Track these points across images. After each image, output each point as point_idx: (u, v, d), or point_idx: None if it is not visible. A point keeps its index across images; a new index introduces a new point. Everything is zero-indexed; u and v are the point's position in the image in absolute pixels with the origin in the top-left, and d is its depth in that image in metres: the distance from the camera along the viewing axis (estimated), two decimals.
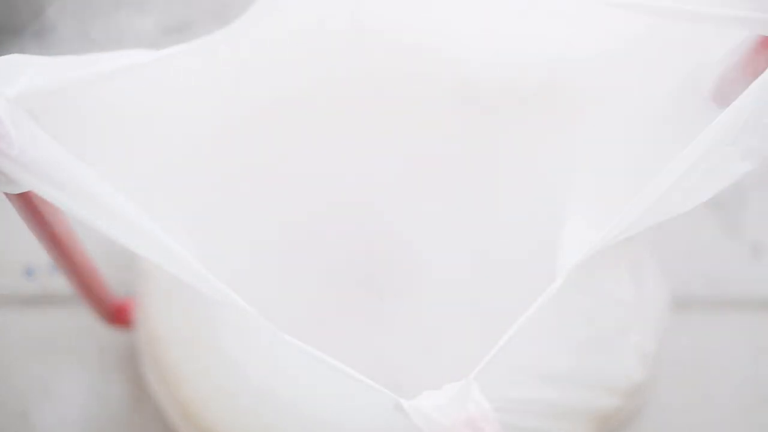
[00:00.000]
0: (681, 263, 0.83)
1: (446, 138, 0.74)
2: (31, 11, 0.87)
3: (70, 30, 0.89)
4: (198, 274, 0.46)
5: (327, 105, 0.70)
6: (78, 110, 0.53)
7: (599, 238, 0.48)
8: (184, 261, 0.45)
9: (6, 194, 0.46)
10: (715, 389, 0.79)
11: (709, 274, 0.83)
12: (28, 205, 0.49)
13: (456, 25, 0.63)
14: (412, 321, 0.75)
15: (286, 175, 0.75)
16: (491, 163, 0.75)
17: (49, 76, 0.44)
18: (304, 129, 0.72)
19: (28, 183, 0.42)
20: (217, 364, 0.68)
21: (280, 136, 0.72)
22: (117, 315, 0.71)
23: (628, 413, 0.73)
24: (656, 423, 0.77)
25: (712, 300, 0.82)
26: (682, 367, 0.79)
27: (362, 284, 0.77)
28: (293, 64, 0.65)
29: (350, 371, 0.47)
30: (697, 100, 0.52)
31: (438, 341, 0.75)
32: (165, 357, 0.69)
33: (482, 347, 0.50)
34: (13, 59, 0.44)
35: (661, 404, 0.77)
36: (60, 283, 0.80)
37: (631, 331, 0.69)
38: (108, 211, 0.43)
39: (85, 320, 0.78)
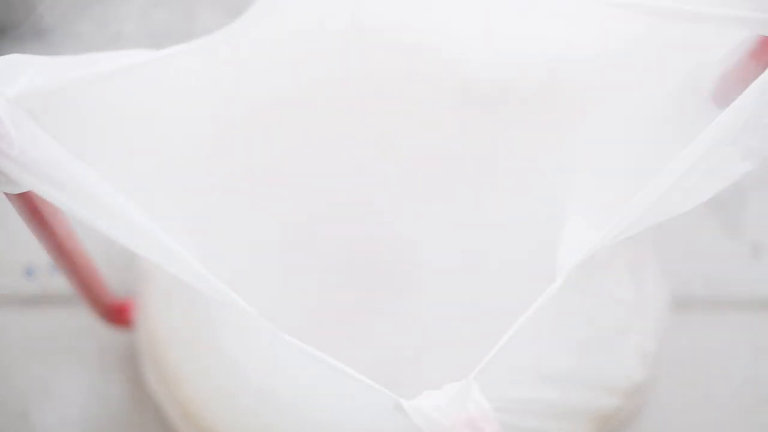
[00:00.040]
0: (681, 263, 0.83)
1: (446, 138, 0.74)
2: (27, 10, 0.87)
3: (70, 30, 0.89)
4: (198, 274, 0.46)
5: (327, 105, 0.70)
6: (78, 110, 0.52)
7: (599, 238, 0.48)
8: (184, 261, 0.45)
9: (6, 194, 0.46)
10: (715, 389, 0.79)
11: (709, 274, 0.83)
12: (28, 205, 0.49)
13: (456, 25, 0.63)
14: (412, 321, 0.75)
15: (286, 175, 0.75)
16: (491, 163, 0.75)
17: (49, 76, 0.44)
18: (304, 129, 0.72)
19: (28, 183, 0.42)
20: (217, 364, 0.68)
21: (280, 136, 0.72)
22: (117, 315, 0.71)
23: (628, 413, 0.73)
24: (656, 423, 0.77)
25: (712, 300, 0.82)
26: (682, 367, 0.79)
27: (362, 284, 0.77)
28: (293, 64, 0.65)
29: (350, 371, 0.47)
30: (697, 100, 0.52)
31: (438, 341, 0.75)
32: (165, 357, 0.69)
33: (482, 347, 0.50)
34: (13, 59, 0.43)
35: (661, 404, 0.77)
36: (60, 283, 0.80)
37: (631, 331, 0.69)
38: (108, 211, 0.43)
39: (85, 320, 0.77)
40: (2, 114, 0.41)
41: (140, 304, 0.71)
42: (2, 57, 0.44)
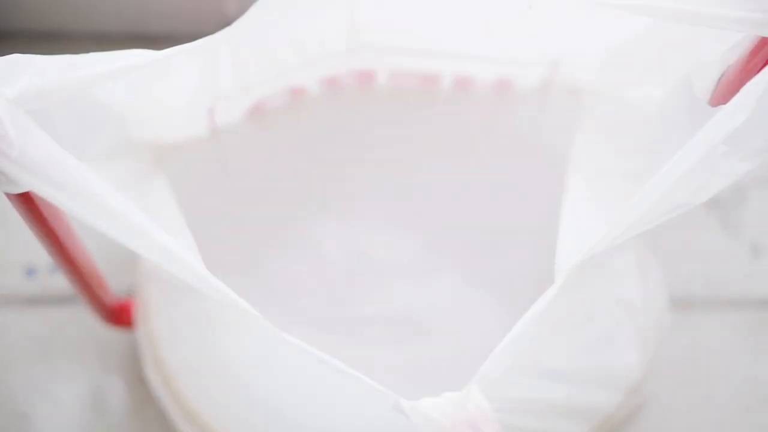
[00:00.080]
0: (681, 263, 0.83)
1: (446, 138, 0.74)
2: (27, 11, 0.87)
3: (69, 30, 0.89)
4: (198, 274, 0.46)
5: (327, 105, 0.70)
6: (78, 110, 0.53)
7: (599, 238, 0.48)
8: (184, 261, 0.45)
9: (6, 194, 0.46)
10: (715, 389, 0.79)
11: (709, 274, 0.83)
12: (28, 205, 0.49)
13: (456, 25, 0.63)
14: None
15: (285, 175, 0.75)
16: (491, 163, 0.75)
17: (49, 76, 0.44)
18: (304, 129, 0.72)
19: (28, 183, 0.42)
20: (217, 364, 0.68)
21: (280, 137, 0.72)
22: (117, 315, 0.71)
23: (628, 413, 0.73)
24: (656, 423, 0.77)
25: (712, 300, 0.82)
26: (682, 367, 0.79)
27: (362, 284, 0.77)
28: (293, 64, 0.65)
29: (350, 371, 0.47)
30: (696, 100, 0.52)
31: (438, 340, 0.75)
32: (165, 357, 0.69)
33: (482, 347, 0.50)
34: (13, 59, 0.43)
35: (661, 404, 0.77)
36: (60, 283, 0.80)
37: (631, 331, 0.69)
38: (108, 211, 0.43)
39: (85, 320, 0.77)
40: (2, 114, 0.41)
41: (140, 304, 0.71)
42: (2, 57, 0.44)
